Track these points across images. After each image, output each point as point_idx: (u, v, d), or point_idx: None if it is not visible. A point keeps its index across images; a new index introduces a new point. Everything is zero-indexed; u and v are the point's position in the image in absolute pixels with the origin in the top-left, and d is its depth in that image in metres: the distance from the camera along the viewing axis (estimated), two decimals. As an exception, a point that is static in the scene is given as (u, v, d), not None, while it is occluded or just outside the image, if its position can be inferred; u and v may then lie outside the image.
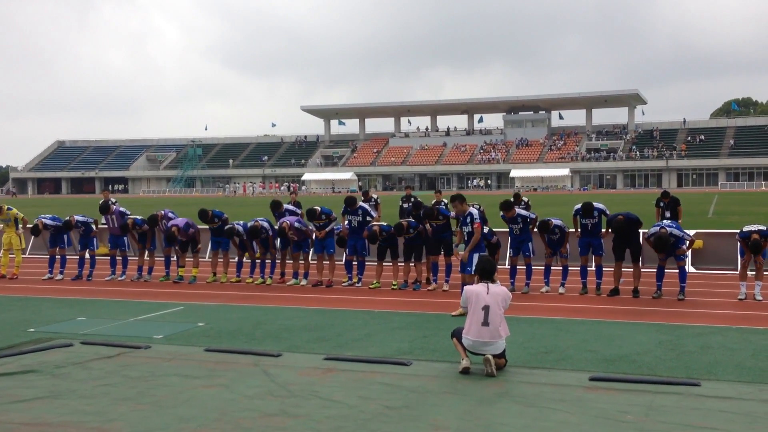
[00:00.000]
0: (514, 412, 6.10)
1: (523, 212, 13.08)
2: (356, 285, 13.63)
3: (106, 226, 15.98)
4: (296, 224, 13.82)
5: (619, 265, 12.40)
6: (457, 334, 7.53)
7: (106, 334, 9.58)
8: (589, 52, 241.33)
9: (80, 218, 15.31)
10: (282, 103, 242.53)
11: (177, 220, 14.54)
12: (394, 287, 13.23)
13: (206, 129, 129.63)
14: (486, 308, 7.28)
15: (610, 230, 12.50)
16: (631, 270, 12.37)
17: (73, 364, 7.86)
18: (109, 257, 15.57)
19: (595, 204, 12.69)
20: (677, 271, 11.97)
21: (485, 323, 7.24)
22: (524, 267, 12.97)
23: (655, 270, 12.19)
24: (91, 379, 7.30)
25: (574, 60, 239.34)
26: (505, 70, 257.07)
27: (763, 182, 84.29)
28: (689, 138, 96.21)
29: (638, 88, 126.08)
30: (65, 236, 15.64)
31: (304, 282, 13.90)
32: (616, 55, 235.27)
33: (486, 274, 7.62)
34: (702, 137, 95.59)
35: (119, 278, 14.95)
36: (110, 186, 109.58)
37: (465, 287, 7.71)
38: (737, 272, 14.30)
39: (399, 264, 13.58)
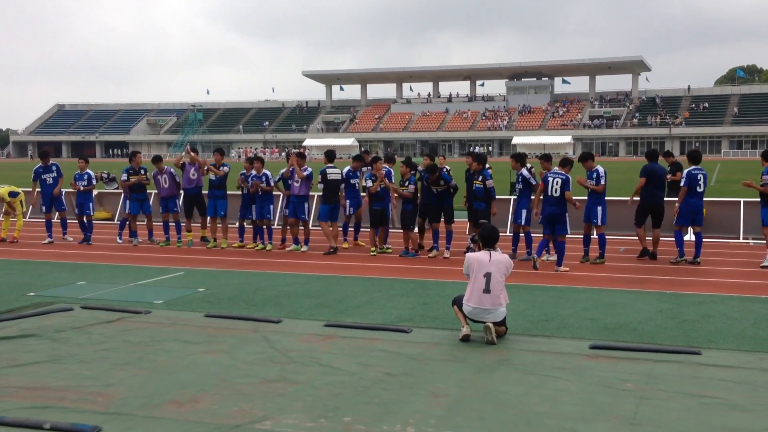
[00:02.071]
0: (514, 380, 6.09)
1: (525, 173, 12.93)
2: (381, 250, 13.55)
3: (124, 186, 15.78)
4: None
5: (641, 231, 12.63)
6: (457, 302, 7.51)
7: (106, 298, 9.57)
8: (600, 19, 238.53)
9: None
10: (287, 68, 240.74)
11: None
12: (373, 253, 13.34)
13: (208, 93, 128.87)
14: (488, 275, 7.25)
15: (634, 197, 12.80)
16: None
17: (73, 329, 7.86)
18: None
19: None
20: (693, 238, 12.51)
21: (486, 290, 7.21)
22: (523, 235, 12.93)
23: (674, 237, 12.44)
24: (90, 343, 7.30)
25: (585, 26, 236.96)
26: (514, 36, 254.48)
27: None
28: (693, 105, 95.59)
29: (646, 54, 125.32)
30: (62, 200, 15.62)
31: (304, 248, 13.86)
32: (626, 22, 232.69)
33: (488, 241, 7.56)
34: (706, 105, 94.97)
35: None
36: (110, 150, 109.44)
37: (467, 254, 7.63)
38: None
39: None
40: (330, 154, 14.17)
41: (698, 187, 12.12)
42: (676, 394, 5.72)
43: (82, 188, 15.34)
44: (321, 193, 14.18)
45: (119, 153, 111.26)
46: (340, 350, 7.01)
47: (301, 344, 7.23)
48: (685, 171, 12.33)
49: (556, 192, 11.72)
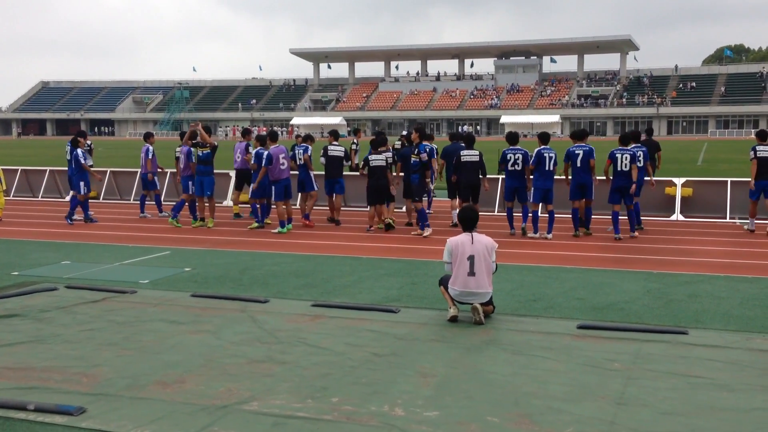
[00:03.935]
0: (502, 360, 6.09)
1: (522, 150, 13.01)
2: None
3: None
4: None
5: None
6: (444, 282, 7.48)
7: (91, 278, 9.48)
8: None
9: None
10: (278, 45, 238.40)
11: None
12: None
13: (194, 71, 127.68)
14: (471, 258, 7.19)
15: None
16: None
17: (58, 309, 7.79)
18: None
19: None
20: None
21: (471, 273, 7.16)
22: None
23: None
24: (75, 323, 7.23)
25: (579, 3, 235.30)
26: (507, 12, 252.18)
27: (753, 130, 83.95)
28: (680, 85, 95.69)
29: (635, 33, 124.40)
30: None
31: (289, 227, 13.79)
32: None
33: (468, 223, 7.46)
34: (693, 84, 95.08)
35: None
36: (96, 128, 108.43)
37: (448, 240, 7.50)
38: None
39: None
40: (335, 133, 15.15)
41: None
42: (663, 373, 5.73)
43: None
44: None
45: (105, 131, 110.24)
46: (328, 330, 6.98)
47: (288, 324, 7.19)
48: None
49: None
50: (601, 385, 5.47)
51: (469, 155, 13.10)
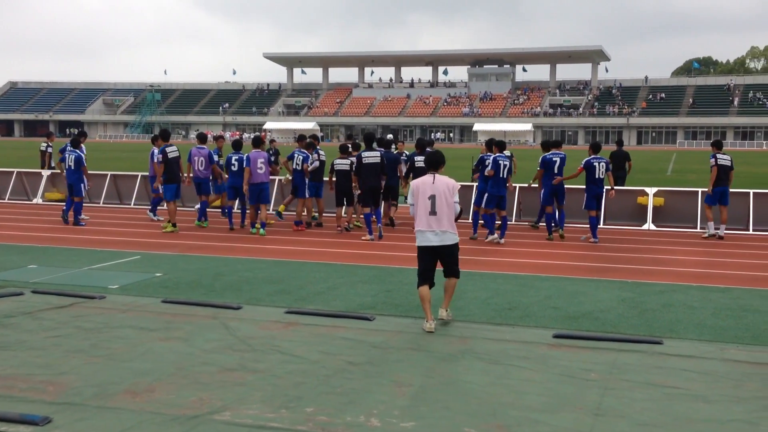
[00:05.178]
0: (479, 370, 6.03)
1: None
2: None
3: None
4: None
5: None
6: (420, 282, 7.43)
7: (58, 283, 9.26)
8: (571, 5, 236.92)
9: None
10: (253, 49, 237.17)
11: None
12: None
13: (165, 73, 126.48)
14: (432, 197, 7.32)
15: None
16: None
17: (23, 314, 7.58)
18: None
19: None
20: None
21: (432, 212, 7.29)
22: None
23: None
24: (41, 330, 7.04)
25: (553, 13, 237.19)
26: (485, 20, 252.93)
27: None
28: (650, 96, 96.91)
29: (610, 44, 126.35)
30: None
31: (262, 231, 13.70)
32: (597, 7, 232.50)
33: (432, 164, 7.58)
34: (662, 95, 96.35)
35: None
36: (66, 129, 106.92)
37: (412, 181, 7.86)
38: (697, 230, 14.51)
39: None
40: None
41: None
42: (639, 384, 5.71)
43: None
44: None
45: (75, 133, 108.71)
46: (302, 338, 6.87)
47: (261, 331, 7.07)
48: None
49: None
50: (578, 396, 5.43)
51: (371, 157, 13.30)
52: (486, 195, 12.92)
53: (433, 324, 7.19)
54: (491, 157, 12.96)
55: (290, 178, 14.71)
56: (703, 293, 9.07)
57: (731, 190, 14.08)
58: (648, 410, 5.16)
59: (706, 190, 15.30)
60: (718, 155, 13.78)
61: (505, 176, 12.82)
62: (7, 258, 10.94)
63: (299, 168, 14.37)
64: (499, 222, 13.03)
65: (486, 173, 12.89)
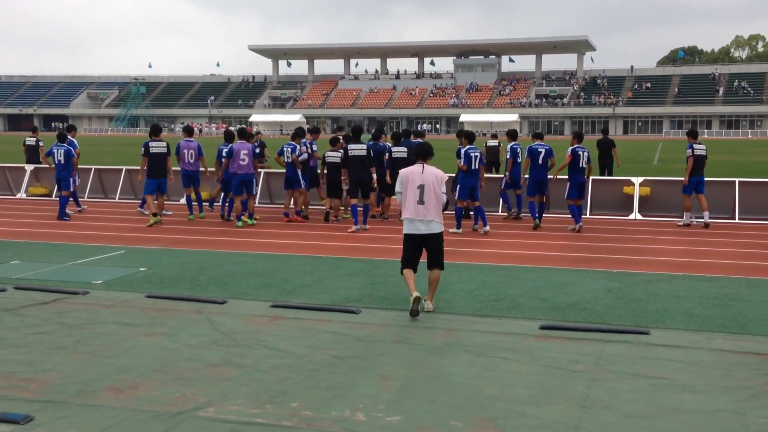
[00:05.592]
0: (465, 362, 6.00)
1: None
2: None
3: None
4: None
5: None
6: (404, 266, 7.61)
7: (41, 278, 9.15)
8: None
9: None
10: (238, 41, 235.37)
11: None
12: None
13: (150, 66, 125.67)
14: (421, 187, 7.53)
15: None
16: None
17: (5, 311, 7.48)
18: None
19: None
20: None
21: (420, 201, 7.50)
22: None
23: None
24: (24, 326, 6.95)
25: (539, 3, 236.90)
26: (472, 11, 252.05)
27: (705, 131, 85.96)
28: (636, 86, 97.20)
29: (595, 34, 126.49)
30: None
31: (251, 222, 13.84)
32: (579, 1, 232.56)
33: (421, 155, 7.79)
34: (648, 85, 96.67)
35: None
36: (51, 123, 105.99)
37: (401, 170, 7.89)
38: (683, 219, 14.57)
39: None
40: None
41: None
42: (626, 375, 5.70)
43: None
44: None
45: (60, 127, 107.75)
46: (287, 332, 6.82)
47: (246, 326, 7.01)
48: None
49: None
50: (565, 388, 5.41)
51: (357, 149, 13.37)
52: (458, 186, 13.04)
53: (418, 293, 7.29)
54: (462, 150, 13.14)
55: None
56: (690, 282, 9.08)
57: (717, 179, 14.25)
58: (635, 401, 5.15)
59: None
60: (695, 145, 13.94)
61: (476, 167, 13.03)
62: (-11, 254, 10.81)
63: (289, 160, 14.33)
64: (472, 213, 13.39)
65: (459, 167, 13.04)
